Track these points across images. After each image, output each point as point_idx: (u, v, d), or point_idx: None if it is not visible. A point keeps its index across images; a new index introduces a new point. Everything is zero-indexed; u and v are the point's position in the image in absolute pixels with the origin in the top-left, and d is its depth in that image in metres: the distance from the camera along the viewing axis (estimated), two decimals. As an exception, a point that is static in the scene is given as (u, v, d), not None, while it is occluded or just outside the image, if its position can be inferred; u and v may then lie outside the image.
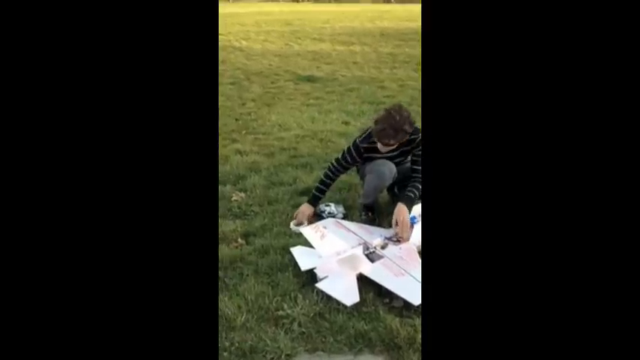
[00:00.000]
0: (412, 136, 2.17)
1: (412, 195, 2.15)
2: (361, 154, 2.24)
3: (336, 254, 1.88)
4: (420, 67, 6.52)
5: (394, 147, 2.16)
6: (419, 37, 9.41)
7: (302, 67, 6.57)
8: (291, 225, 2.21)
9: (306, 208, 2.24)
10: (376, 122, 2.09)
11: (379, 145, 2.14)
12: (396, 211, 2.09)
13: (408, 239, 2.02)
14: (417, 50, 8.06)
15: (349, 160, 2.25)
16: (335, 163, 2.29)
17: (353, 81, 5.71)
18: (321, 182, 2.30)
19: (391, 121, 2.04)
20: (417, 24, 11.50)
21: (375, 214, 2.33)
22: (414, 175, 2.23)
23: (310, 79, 5.80)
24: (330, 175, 2.28)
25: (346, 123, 4.01)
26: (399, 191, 2.43)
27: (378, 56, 7.51)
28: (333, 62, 7.01)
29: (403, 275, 1.76)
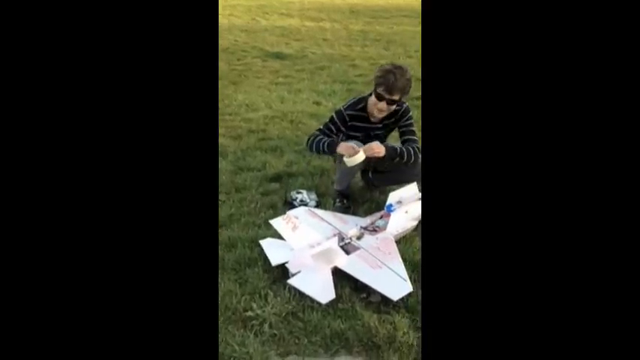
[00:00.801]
0: (397, 107, 2.06)
1: (397, 149, 2.05)
2: (346, 122, 2.08)
3: (310, 247, 1.75)
4: (390, 46, 6.40)
5: (386, 114, 2.05)
6: (389, 14, 9.30)
7: (270, 44, 6.29)
8: (347, 159, 1.95)
9: (345, 145, 1.98)
10: (381, 77, 1.94)
11: (379, 107, 1.99)
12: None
13: (378, 152, 1.95)
14: (387, 28, 7.91)
15: (333, 129, 2.09)
16: (317, 132, 2.09)
17: (323, 59, 5.52)
18: (323, 143, 2.03)
19: (401, 71, 1.93)
20: (386, 1, 11.30)
21: (350, 201, 2.21)
22: (405, 142, 2.11)
23: (279, 56, 5.56)
24: (317, 140, 2.05)
25: (317, 103, 3.84)
26: (373, 176, 2.32)
27: (349, 33, 7.31)
28: (303, 39, 6.76)
29: (380, 268, 1.66)
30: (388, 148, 2.01)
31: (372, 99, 2.02)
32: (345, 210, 2.13)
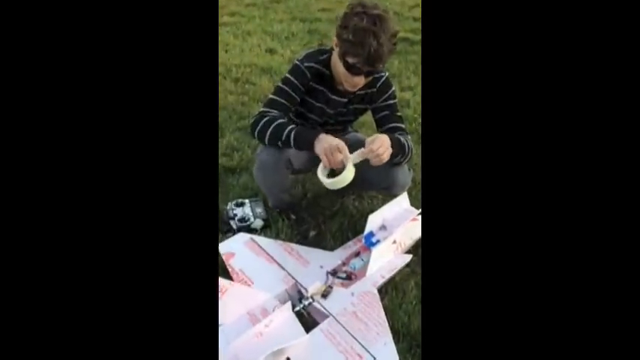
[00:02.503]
0: (376, 74, 1.36)
1: (400, 140, 1.31)
2: (308, 79, 1.34)
3: (247, 317, 1.12)
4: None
5: (362, 85, 1.31)
6: None
7: (215, -31, 5.17)
8: (321, 174, 1.23)
9: (329, 144, 1.19)
10: (356, 42, 1.18)
11: (354, 82, 1.27)
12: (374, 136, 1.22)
13: (383, 153, 1.19)
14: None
15: (294, 95, 1.33)
16: (268, 110, 1.31)
17: (280, -12, 4.52)
18: (288, 132, 1.26)
19: (385, 26, 1.17)
20: None
21: (303, 211, 1.54)
22: (388, 132, 1.37)
23: (225, -13, 4.52)
24: (276, 125, 1.27)
25: (271, 51, 3.02)
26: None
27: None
28: (256, -38, 5.61)
29: (360, 358, 1.05)
30: (394, 142, 1.24)
31: (341, 67, 1.27)
32: (304, 233, 1.46)
